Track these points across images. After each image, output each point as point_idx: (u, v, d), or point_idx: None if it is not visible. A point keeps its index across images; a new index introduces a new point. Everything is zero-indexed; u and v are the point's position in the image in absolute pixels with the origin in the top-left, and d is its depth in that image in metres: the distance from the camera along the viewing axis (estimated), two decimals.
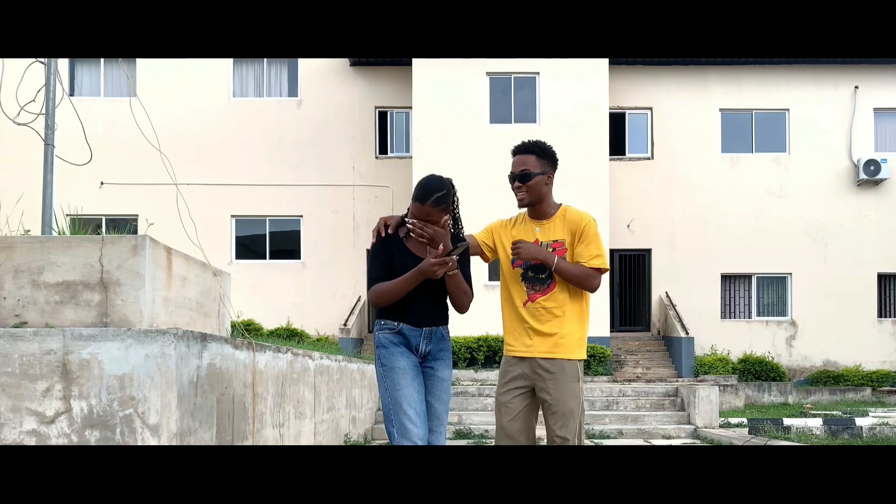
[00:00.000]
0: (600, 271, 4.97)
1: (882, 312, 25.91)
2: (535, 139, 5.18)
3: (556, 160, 5.12)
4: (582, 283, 4.93)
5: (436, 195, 4.60)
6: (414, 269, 4.59)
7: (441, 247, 4.55)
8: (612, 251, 24.26)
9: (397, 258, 4.70)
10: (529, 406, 5.04)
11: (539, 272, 4.97)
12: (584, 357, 5.06)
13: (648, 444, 13.75)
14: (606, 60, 22.94)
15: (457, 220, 4.89)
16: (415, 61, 22.91)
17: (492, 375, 20.07)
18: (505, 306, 5.16)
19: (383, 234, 4.76)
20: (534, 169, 4.99)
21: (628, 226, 25.32)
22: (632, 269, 26.02)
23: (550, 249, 4.96)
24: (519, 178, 4.99)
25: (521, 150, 5.07)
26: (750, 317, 25.88)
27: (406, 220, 4.77)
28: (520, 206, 5.10)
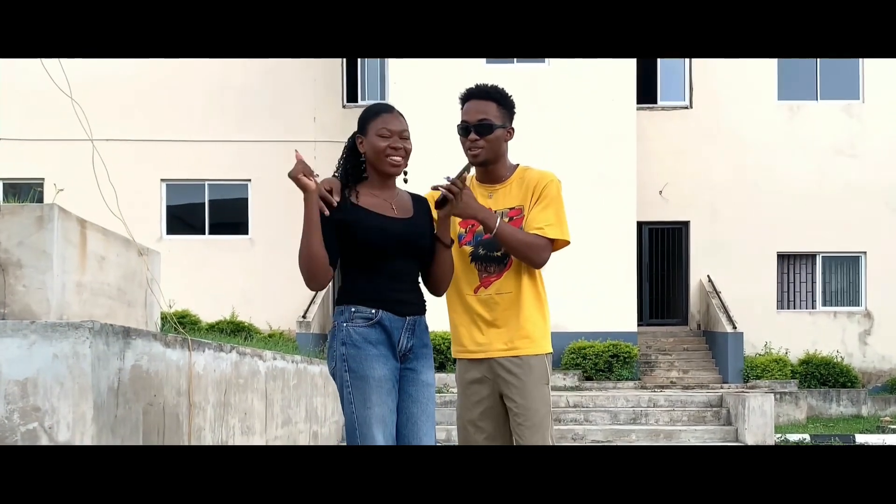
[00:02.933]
0: (553, 243, 4.90)
1: None
2: (493, 83, 5.07)
3: (515, 112, 5.06)
4: (528, 254, 4.83)
5: (395, 108, 4.70)
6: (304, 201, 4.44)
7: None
8: (639, 224, 24.23)
9: (366, 224, 4.53)
10: (502, 417, 5.01)
11: (493, 249, 4.91)
12: (551, 350, 5.05)
13: None
14: None
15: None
16: None
17: None
18: (450, 295, 5.06)
19: (334, 205, 4.54)
20: (495, 120, 4.91)
21: (660, 192, 25.31)
22: (665, 247, 26.05)
23: (506, 220, 4.88)
24: (476, 130, 4.89)
25: (478, 94, 4.98)
26: (813, 307, 25.92)
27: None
28: (476, 164, 5.00)
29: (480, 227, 4.89)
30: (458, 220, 4.96)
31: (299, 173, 4.38)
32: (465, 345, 5.02)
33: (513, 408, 4.89)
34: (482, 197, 4.96)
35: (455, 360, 5.22)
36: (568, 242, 4.95)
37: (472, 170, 4.96)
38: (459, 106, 5.04)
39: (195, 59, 25.08)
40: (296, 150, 4.59)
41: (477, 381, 4.99)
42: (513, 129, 5.04)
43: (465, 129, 4.94)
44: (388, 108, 4.68)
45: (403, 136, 4.61)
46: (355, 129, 4.73)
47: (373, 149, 4.61)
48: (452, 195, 4.60)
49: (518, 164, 5.11)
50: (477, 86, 5.05)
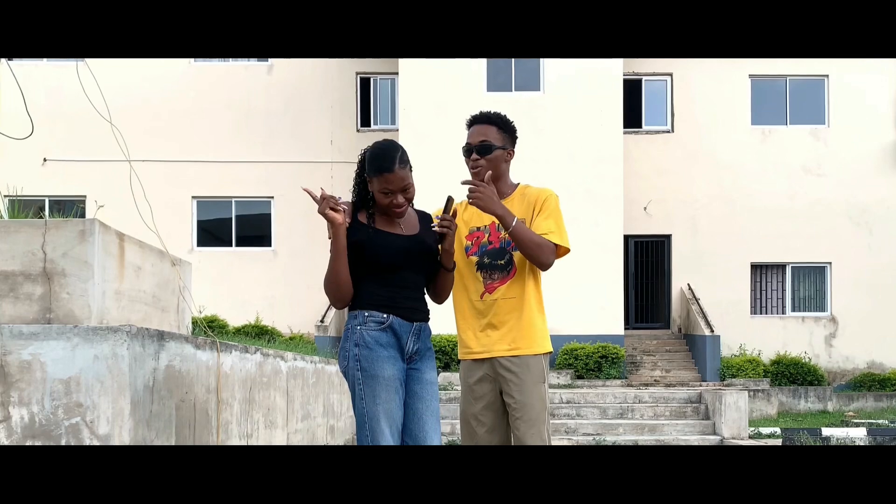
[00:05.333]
0: (557, 249, 4.91)
1: None
2: (495, 110, 5.15)
3: (516, 137, 5.12)
4: (537, 254, 4.82)
5: (398, 155, 4.52)
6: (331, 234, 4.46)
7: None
8: (626, 237, 24.28)
9: (375, 242, 4.55)
10: (502, 411, 5.01)
11: (497, 258, 4.95)
12: (551, 350, 5.06)
13: None
14: None
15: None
16: None
17: None
18: (458, 301, 5.11)
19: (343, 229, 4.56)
20: (495, 141, 4.97)
21: (645, 208, 25.33)
22: (649, 258, 26.05)
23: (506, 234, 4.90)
24: (477, 150, 4.96)
25: (481, 119, 5.06)
26: (784, 312, 25.90)
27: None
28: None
29: (485, 239, 4.98)
30: (465, 234, 5.02)
31: (326, 209, 4.42)
32: (470, 346, 5.03)
33: (511, 403, 4.90)
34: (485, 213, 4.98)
35: (460, 361, 5.20)
36: (568, 250, 4.96)
37: (455, 199, 4.93)
38: (467, 130, 5.10)
39: (222, 82, 25.22)
40: (305, 189, 4.63)
41: (480, 379, 4.99)
42: (513, 151, 5.09)
43: (467, 151, 5.02)
44: (389, 165, 4.49)
45: (405, 188, 4.55)
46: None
47: (377, 200, 4.59)
48: (448, 228, 4.70)
49: (518, 183, 5.15)
50: (481, 112, 5.11)
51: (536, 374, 4.91)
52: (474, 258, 5.00)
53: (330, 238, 4.58)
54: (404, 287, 4.64)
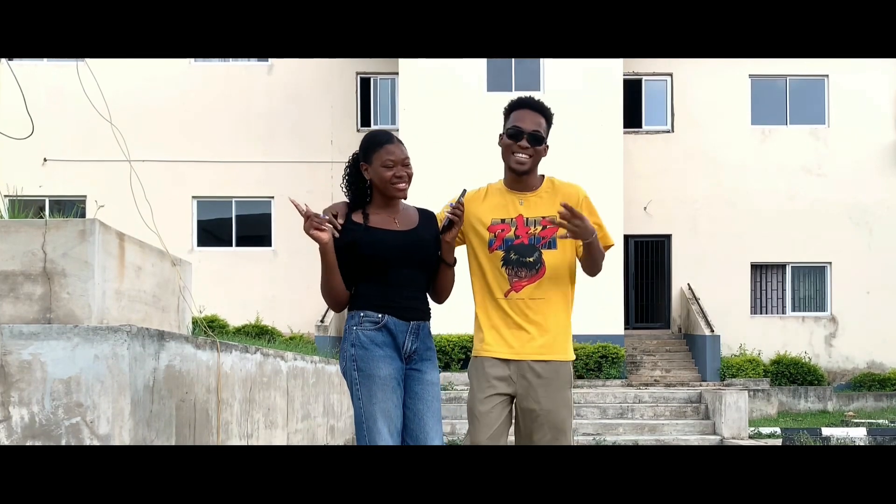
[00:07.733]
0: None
1: None
2: (542, 101, 4.94)
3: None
4: (600, 265, 4.76)
5: (393, 135, 4.66)
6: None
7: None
8: (626, 237, 24.29)
9: (368, 240, 4.54)
10: (507, 417, 4.78)
11: (525, 255, 4.74)
12: (574, 357, 4.89)
13: None
14: None
15: None
16: None
17: None
18: (480, 299, 4.89)
19: (338, 232, 4.55)
20: (545, 133, 4.81)
21: (645, 208, 25.31)
22: (649, 258, 26.04)
23: (539, 227, 4.75)
24: (530, 138, 4.74)
25: (536, 106, 4.85)
26: (784, 312, 25.89)
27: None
28: (519, 171, 4.78)
29: (510, 233, 4.79)
30: (487, 225, 4.82)
31: (311, 229, 4.42)
32: (492, 345, 4.79)
33: (534, 408, 4.69)
34: (513, 203, 4.83)
35: (472, 357, 4.96)
36: (612, 244, 4.89)
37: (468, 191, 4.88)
38: (506, 112, 4.92)
39: (222, 82, 25.21)
40: (292, 201, 4.63)
41: (500, 378, 4.73)
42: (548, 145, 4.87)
43: (517, 134, 4.76)
44: (390, 138, 4.62)
45: (405, 163, 4.59)
46: None
47: (379, 178, 4.59)
48: (457, 218, 4.67)
49: (544, 175, 4.96)
50: (531, 97, 4.92)
51: (564, 379, 4.76)
52: (499, 253, 4.79)
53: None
54: (400, 285, 4.61)
